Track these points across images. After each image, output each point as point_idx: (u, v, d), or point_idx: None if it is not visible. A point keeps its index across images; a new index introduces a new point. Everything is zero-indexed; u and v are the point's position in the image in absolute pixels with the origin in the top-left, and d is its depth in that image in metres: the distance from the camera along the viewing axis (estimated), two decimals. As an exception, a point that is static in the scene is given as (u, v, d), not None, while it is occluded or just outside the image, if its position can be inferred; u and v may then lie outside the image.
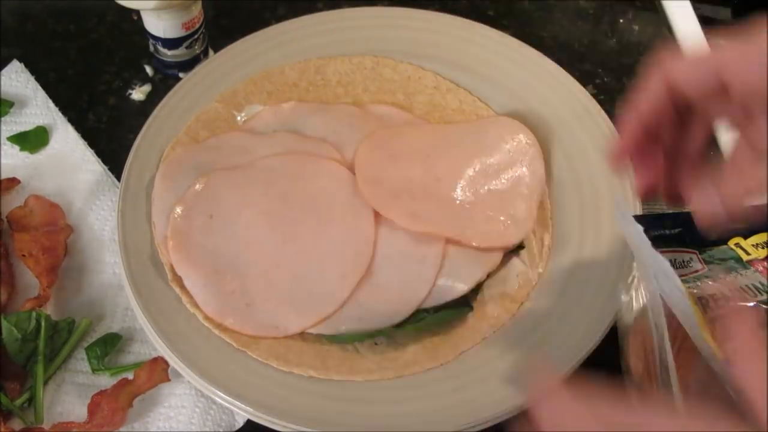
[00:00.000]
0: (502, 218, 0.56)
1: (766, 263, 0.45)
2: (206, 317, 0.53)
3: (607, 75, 0.73)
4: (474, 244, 0.55)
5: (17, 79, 0.70)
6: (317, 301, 0.54)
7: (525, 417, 0.38)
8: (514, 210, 0.57)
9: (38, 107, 0.68)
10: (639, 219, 0.42)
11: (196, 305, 0.54)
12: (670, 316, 0.41)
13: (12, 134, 0.66)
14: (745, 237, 0.46)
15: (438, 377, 0.52)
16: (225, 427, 0.53)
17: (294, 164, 0.59)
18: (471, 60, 0.66)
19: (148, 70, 0.72)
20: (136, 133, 0.61)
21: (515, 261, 0.57)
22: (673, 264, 0.45)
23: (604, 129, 0.61)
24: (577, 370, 0.52)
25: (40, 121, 0.67)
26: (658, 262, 0.40)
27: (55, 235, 0.59)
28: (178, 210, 0.57)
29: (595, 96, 0.64)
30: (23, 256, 0.58)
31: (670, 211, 0.46)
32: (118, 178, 0.61)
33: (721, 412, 0.32)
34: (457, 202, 0.57)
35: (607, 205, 0.58)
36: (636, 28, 0.77)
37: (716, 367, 0.37)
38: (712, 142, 0.68)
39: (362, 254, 0.55)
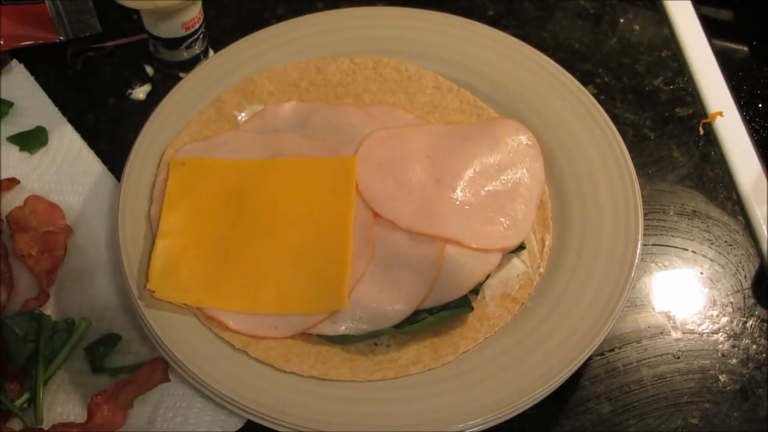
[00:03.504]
0: (501, 219, 0.56)
1: None
2: (206, 317, 0.53)
3: (607, 75, 0.73)
4: (473, 245, 0.54)
5: (17, 79, 0.70)
6: (317, 301, 0.54)
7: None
8: (514, 211, 0.57)
9: (38, 107, 0.68)
10: None
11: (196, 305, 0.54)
12: None
13: (12, 134, 0.66)
14: None
15: (438, 377, 0.52)
16: (225, 427, 0.53)
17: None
18: (471, 60, 0.66)
19: (148, 70, 0.72)
20: (136, 133, 0.61)
21: (516, 261, 0.57)
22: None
23: (604, 129, 0.61)
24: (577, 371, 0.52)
25: (40, 121, 0.67)
26: None
27: (55, 236, 0.59)
28: (178, 210, 0.57)
29: (595, 96, 0.64)
30: (23, 256, 0.58)
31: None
32: (118, 178, 0.61)
33: None
34: (457, 203, 0.57)
35: (608, 205, 0.58)
36: (636, 27, 0.77)
37: None
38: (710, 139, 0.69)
39: (361, 255, 0.54)
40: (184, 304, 0.53)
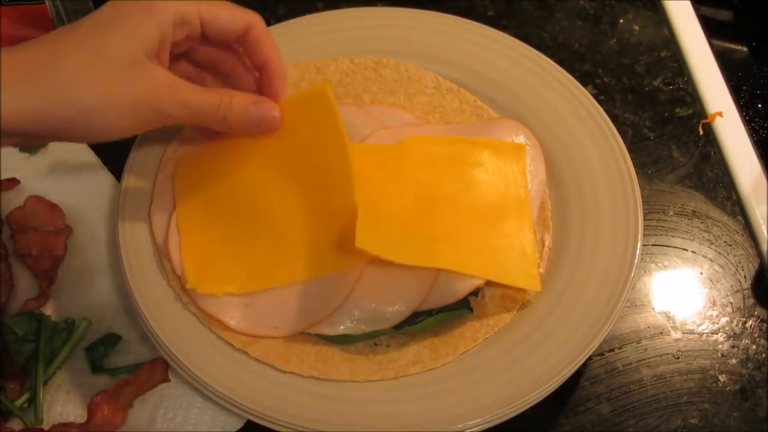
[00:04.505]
0: (502, 220, 0.56)
1: None
2: (206, 317, 0.53)
3: (607, 75, 0.73)
4: (473, 246, 0.54)
5: (17, 79, 0.69)
6: (316, 301, 0.54)
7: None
8: (515, 212, 0.57)
9: (38, 107, 0.68)
10: None
11: (196, 305, 0.54)
12: None
13: (12, 134, 0.66)
14: None
15: (438, 377, 0.52)
16: (225, 427, 0.53)
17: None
18: (471, 60, 0.66)
19: (148, 70, 0.71)
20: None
21: (516, 261, 0.57)
22: None
23: (604, 129, 0.61)
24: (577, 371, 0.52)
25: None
26: None
27: (55, 236, 0.59)
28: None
29: (595, 96, 0.64)
30: (23, 256, 0.58)
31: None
32: (118, 178, 0.61)
33: None
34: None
35: (608, 205, 0.58)
36: (636, 28, 0.77)
37: None
38: (710, 138, 0.69)
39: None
40: (225, 294, 0.53)
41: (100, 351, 0.55)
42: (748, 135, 0.69)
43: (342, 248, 0.53)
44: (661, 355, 0.58)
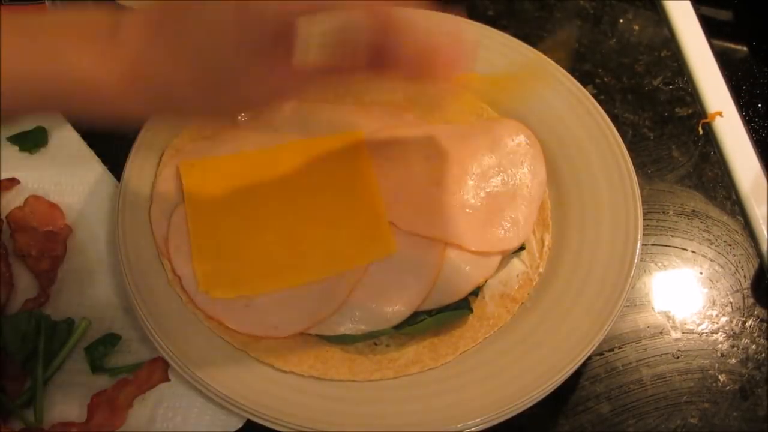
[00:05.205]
0: (502, 222, 0.56)
1: None
2: (206, 317, 0.53)
3: (607, 75, 0.73)
4: (473, 249, 0.54)
5: (17, 79, 0.69)
6: (316, 301, 0.54)
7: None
8: (515, 213, 0.57)
9: (38, 107, 0.68)
10: None
11: (195, 305, 0.54)
12: None
13: (12, 134, 0.66)
14: None
15: (438, 377, 0.52)
16: (225, 427, 0.53)
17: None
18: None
19: (148, 70, 0.71)
20: (136, 133, 0.61)
21: (515, 262, 0.57)
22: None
23: (604, 129, 0.61)
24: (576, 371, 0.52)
25: (39, 121, 0.67)
26: None
27: (55, 236, 0.59)
28: (180, 210, 0.56)
29: (595, 96, 0.64)
30: (23, 256, 0.58)
31: None
32: (118, 178, 0.61)
33: None
34: (457, 205, 0.56)
35: (607, 205, 0.58)
36: (636, 28, 0.77)
37: None
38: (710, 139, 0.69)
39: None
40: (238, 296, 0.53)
41: (100, 351, 0.55)
42: (748, 135, 0.69)
43: (359, 248, 0.54)
44: (660, 355, 0.58)
